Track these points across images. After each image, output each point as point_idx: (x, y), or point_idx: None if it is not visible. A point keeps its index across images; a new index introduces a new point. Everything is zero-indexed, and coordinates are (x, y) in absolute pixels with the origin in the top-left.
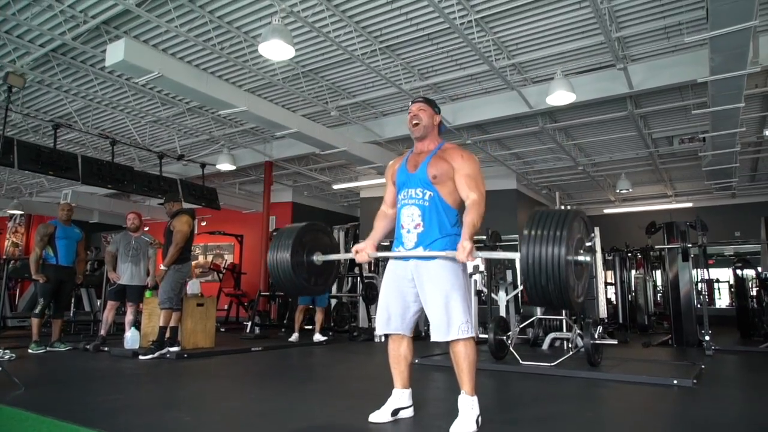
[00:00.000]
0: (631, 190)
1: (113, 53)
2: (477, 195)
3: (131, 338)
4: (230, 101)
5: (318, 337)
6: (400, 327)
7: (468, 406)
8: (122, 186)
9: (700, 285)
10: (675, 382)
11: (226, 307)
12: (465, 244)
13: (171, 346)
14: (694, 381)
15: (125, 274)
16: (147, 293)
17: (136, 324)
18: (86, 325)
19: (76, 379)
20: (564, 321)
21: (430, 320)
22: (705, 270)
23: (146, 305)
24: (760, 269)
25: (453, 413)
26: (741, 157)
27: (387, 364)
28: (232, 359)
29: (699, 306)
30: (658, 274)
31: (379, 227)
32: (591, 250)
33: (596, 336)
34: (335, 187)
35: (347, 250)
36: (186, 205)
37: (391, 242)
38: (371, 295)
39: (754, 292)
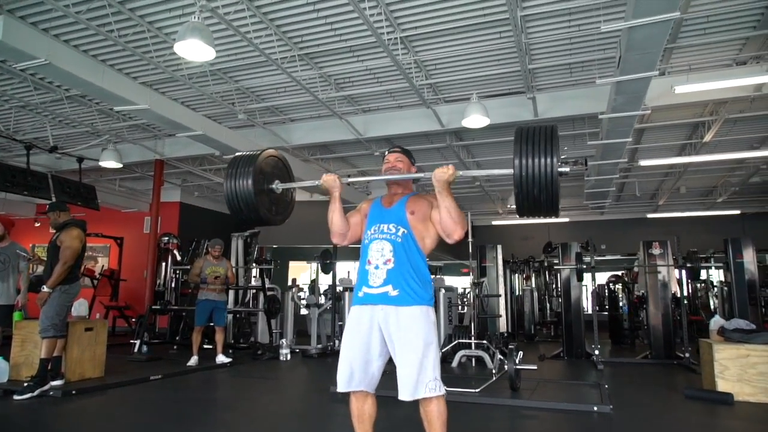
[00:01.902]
0: None
1: None
2: (458, 235)
3: None
4: (129, 97)
5: (221, 358)
6: (363, 383)
7: None
8: None
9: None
10: (595, 408)
11: (98, 316)
12: (444, 167)
13: (54, 380)
14: (611, 407)
15: None
16: (16, 315)
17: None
18: None
19: None
20: (472, 340)
21: (399, 376)
22: (593, 287)
23: (17, 330)
24: (637, 287)
25: None
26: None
27: (305, 395)
28: (128, 393)
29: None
30: (534, 282)
31: (341, 211)
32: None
33: (518, 361)
34: None
35: (246, 261)
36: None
37: (350, 289)
38: (273, 309)
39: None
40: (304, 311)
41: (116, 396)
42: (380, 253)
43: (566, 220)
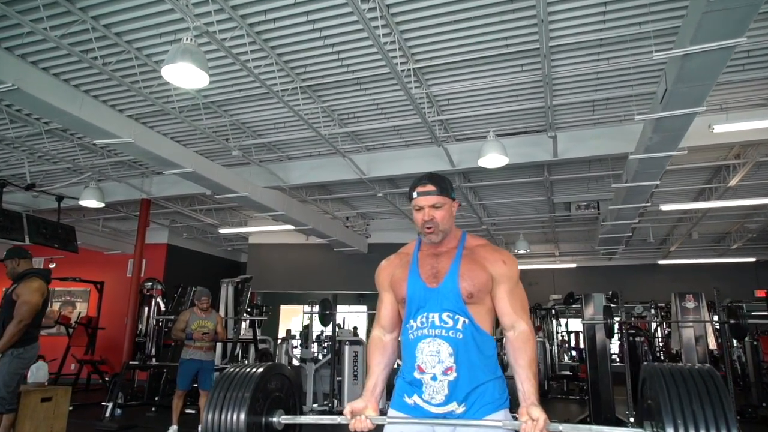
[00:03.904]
0: (529, 250)
1: None
2: (528, 326)
3: None
4: (111, 129)
5: None
6: None
7: None
8: None
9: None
10: None
11: (72, 367)
12: (534, 411)
13: None
14: None
15: None
16: None
17: None
18: None
19: None
20: None
21: None
22: (624, 342)
23: None
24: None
25: None
26: None
27: None
28: None
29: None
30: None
31: (378, 367)
32: None
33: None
34: (222, 231)
35: (237, 311)
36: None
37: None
38: None
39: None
40: (297, 362)
41: None
42: (436, 359)
43: (573, 265)
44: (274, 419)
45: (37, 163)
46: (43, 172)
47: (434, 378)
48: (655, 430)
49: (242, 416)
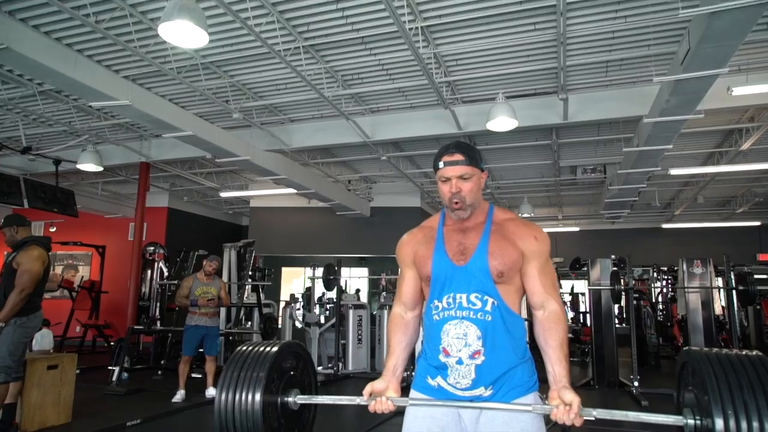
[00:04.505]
0: (533, 214)
1: None
2: (559, 305)
3: None
4: (108, 92)
5: (212, 392)
6: None
7: None
8: None
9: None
10: None
11: (77, 330)
12: (566, 395)
13: None
14: None
15: None
16: None
17: None
18: None
19: None
20: None
21: None
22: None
23: None
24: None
25: None
26: None
27: None
28: None
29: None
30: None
31: (399, 346)
32: None
33: None
34: (223, 195)
35: (240, 276)
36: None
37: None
38: (270, 330)
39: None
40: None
41: None
42: (463, 342)
43: (576, 229)
44: (290, 399)
45: (32, 125)
46: (39, 135)
47: (460, 362)
48: (698, 419)
49: (257, 396)
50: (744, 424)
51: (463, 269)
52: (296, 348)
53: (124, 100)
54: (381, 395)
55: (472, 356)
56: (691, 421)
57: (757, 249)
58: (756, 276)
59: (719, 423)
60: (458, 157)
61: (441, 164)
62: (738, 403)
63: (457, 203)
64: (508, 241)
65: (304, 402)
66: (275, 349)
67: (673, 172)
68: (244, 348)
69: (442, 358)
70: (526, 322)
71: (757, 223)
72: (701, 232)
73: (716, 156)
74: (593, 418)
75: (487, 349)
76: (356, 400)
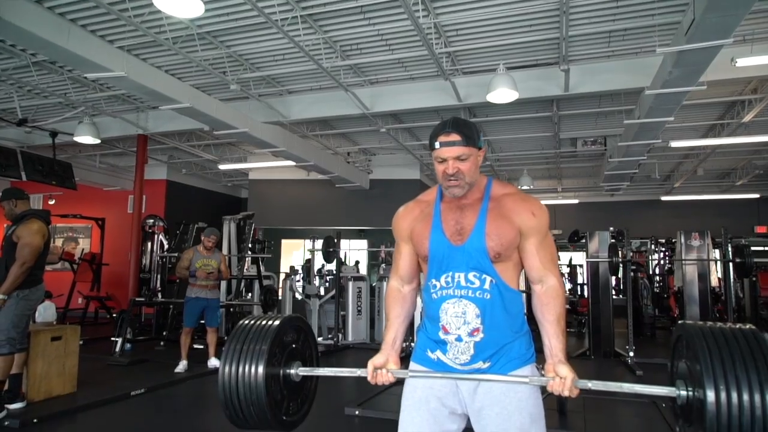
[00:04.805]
0: (532, 186)
1: None
2: (557, 279)
3: None
4: (102, 63)
5: (213, 362)
6: None
7: None
8: None
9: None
10: None
11: (80, 301)
12: (561, 369)
13: (11, 403)
14: None
15: None
16: None
17: None
18: None
19: None
20: None
21: None
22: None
23: None
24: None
25: None
26: None
27: (315, 420)
28: (103, 417)
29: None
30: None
31: (397, 320)
32: None
33: None
34: (222, 167)
35: (240, 249)
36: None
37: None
38: (271, 302)
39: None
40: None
41: (88, 423)
42: (462, 320)
43: (575, 201)
44: (292, 371)
45: (27, 97)
46: (34, 107)
47: (459, 339)
48: (690, 391)
49: (260, 368)
50: (735, 396)
51: (460, 249)
52: (297, 322)
53: (119, 72)
54: (381, 369)
55: (471, 334)
56: (683, 393)
57: (755, 221)
58: (753, 248)
59: (710, 394)
60: (455, 137)
61: (437, 144)
62: (730, 376)
63: (453, 182)
64: (506, 219)
65: (305, 374)
66: (277, 323)
67: (674, 144)
68: (247, 322)
69: (441, 335)
70: (524, 295)
71: (756, 196)
72: (700, 204)
73: (717, 128)
74: (588, 389)
75: (486, 327)
76: (357, 372)
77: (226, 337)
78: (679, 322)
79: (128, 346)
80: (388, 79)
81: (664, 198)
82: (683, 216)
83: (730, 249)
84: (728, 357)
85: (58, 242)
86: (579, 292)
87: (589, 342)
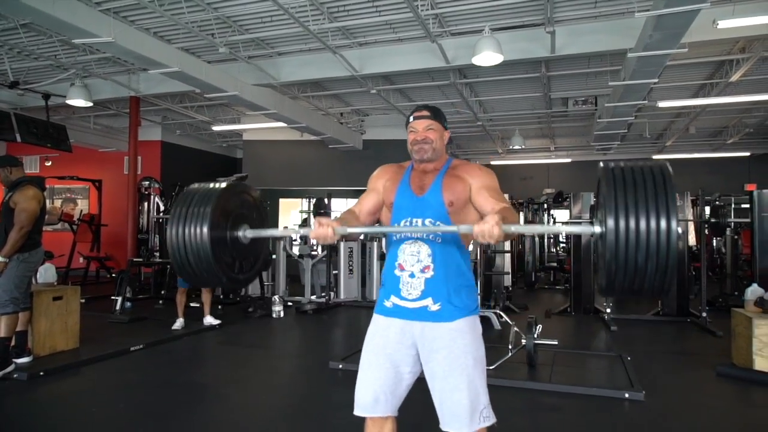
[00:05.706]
0: (524, 146)
1: None
2: (508, 204)
3: None
4: (90, 28)
5: (209, 320)
6: (389, 407)
7: None
8: None
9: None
10: (626, 395)
11: (81, 260)
12: (489, 217)
13: (18, 358)
14: (643, 393)
15: None
16: None
17: None
18: None
19: None
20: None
21: (443, 406)
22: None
23: None
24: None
25: None
26: None
27: (301, 374)
28: (105, 370)
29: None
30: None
31: (348, 216)
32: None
33: (537, 335)
34: (215, 128)
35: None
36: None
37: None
38: (266, 261)
39: None
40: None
41: (91, 375)
42: (416, 258)
43: (568, 160)
44: (240, 233)
45: (18, 59)
46: (25, 69)
47: (412, 275)
48: (601, 221)
49: (205, 230)
50: (632, 223)
51: (421, 199)
52: (245, 188)
53: (107, 37)
54: (326, 224)
55: (422, 270)
56: (597, 229)
57: (746, 179)
58: (743, 206)
59: (611, 223)
60: (425, 113)
61: (411, 119)
62: (630, 202)
63: (421, 145)
64: (459, 178)
65: (253, 236)
66: (221, 186)
67: (662, 104)
68: (193, 186)
69: (397, 272)
70: (473, 263)
71: (747, 154)
72: (692, 162)
73: (707, 87)
74: (512, 232)
75: (436, 266)
76: (300, 232)
77: (221, 296)
78: (600, 164)
79: (128, 304)
80: (376, 41)
81: (656, 156)
82: (675, 174)
83: (707, 209)
84: (631, 186)
85: (57, 203)
86: (567, 252)
87: (570, 299)
